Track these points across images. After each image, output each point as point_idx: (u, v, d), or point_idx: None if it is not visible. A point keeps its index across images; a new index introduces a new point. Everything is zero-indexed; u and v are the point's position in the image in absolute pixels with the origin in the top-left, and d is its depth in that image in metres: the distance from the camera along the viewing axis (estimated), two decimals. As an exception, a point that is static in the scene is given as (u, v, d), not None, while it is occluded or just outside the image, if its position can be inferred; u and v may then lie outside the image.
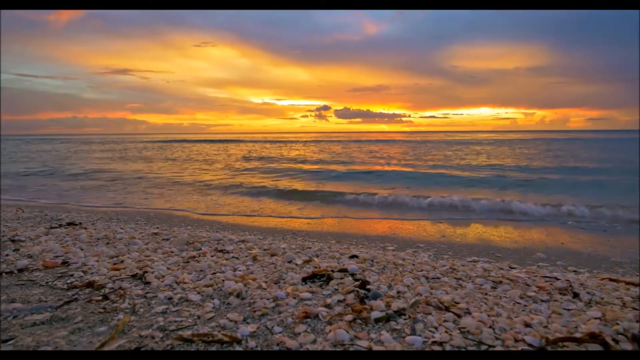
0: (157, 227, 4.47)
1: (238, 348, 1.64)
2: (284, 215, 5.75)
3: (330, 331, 1.77)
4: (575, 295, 2.37)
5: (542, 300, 2.29)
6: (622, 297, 2.37)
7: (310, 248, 3.46)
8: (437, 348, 1.66)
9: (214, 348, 1.63)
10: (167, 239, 3.69)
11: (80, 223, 4.41)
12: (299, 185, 9.91)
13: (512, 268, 3.09)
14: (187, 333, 1.73)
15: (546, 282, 2.60)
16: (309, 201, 7.52)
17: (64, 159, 21.32)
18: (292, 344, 1.67)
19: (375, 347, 1.65)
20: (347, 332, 1.77)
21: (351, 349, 1.64)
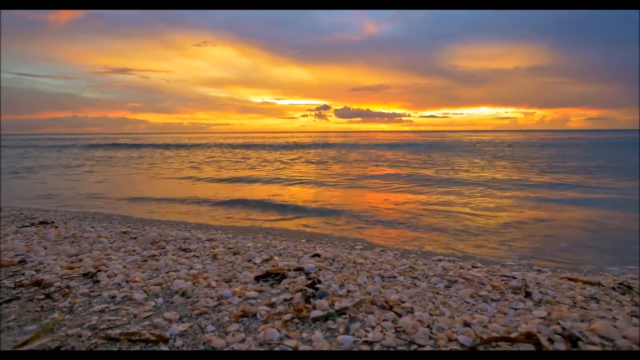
0: (129, 226, 4.46)
1: (164, 347, 1.62)
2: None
3: (262, 330, 1.76)
4: (528, 294, 2.35)
5: (493, 300, 2.27)
6: (575, 296, 2.34)
7: (275, 247, 3.43)
8: (365, 348, 1.63)
9: (137, 347, 1.61)
10: (135, 238, 3.67)
11: (53, 222, 4.40)
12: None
13: (474, 267, 3.06)
14: (115, 332, 1.71)
15: (502, 281, 2.58)
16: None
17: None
18: (219, 343, 1.65)
19: (303, 347, 1.63)
20: (279, 331, 1.75)
21: (277, 348, 1.61)
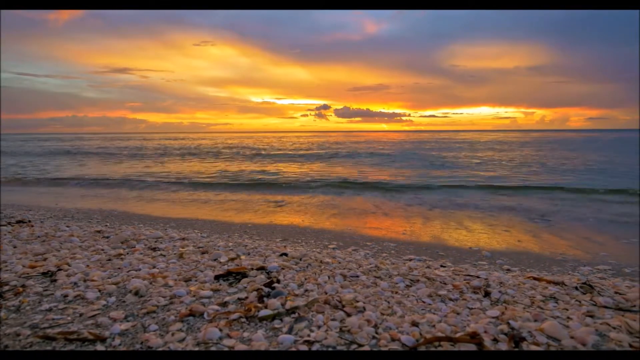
0: (106, 225, 4.45)
1: (101, 347, 1.61)
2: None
3: (204, 329, 1.74)
4: (487, 294, 2.33)
5: (451, 299, 2.25)
6: (535, 296, 2.33)
7: (246, 246, 3.42)
8: (304, 347, 1.61)
9: (73, 346, 1.59)
10: (108, 237, 3.66)
11: (29, 221, 4.39)
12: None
13: (442, 266, 3.04)
14: (55, 331, 1.70)
15: (465, 280, 2.56)
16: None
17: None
18: (156, 342, 1.63)
19: (240, 347, 1.61)
20: (221, 330, 1.73)
21: (213, 348, 1.60)
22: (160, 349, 1.58)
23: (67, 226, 4.15)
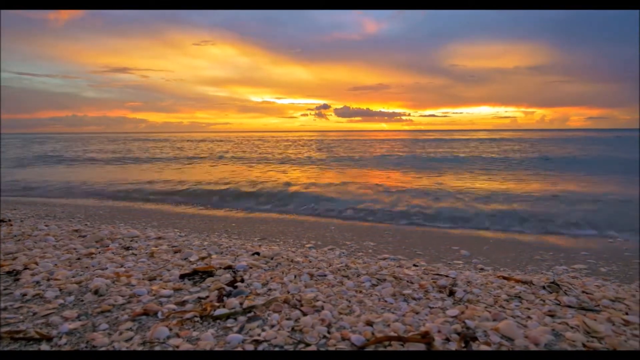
0: (86, 224, 4.43)
1: (45, 346, 1.59)
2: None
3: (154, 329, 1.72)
4: (452, 293, 2.31)
5: (414, 299, 2.23)
6: (500, 295, 2.31)
7: (220, 245, 3.40)
8: (249, 347, 1.60)
9: (17, 345, 1.58)
10: (84, 236, 3.64)
11: (9, 220, 4.38)
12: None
13: (415, 266, 3.02)
14: (3, 330, 1.68)
15: (432, 280, 2.54)
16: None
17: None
18: (102, 341, 1.62)
19: (186, 346, 1.60)
20: (171, 330, 1.72)
21: (157, 347, 1.58)
22: (103, 349, 1.57)
23: (46, 225, 4.13)
